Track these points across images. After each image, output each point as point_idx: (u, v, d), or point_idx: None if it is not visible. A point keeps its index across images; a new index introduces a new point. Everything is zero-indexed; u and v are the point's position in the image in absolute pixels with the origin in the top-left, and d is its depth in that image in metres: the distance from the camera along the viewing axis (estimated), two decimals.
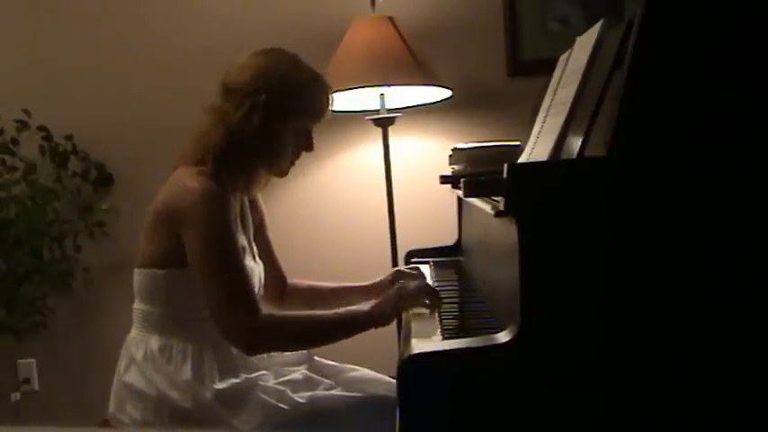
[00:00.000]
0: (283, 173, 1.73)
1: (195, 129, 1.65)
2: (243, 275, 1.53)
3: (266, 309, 1.60)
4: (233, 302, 1.49)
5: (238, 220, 1.67)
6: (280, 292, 1.91)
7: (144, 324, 1.61)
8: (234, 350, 1.60)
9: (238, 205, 1.70)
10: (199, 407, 1.52)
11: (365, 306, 1.57)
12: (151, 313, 1.60)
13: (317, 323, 1.58)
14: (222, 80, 1.65)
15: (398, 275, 1.88)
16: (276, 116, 1.61)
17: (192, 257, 1.52)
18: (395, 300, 1.56)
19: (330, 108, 1.71)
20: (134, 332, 1.64)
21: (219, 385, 1.55)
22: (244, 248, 1.65)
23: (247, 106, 1.59)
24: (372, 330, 1.55)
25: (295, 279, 1.95)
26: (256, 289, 1.64)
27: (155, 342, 1.58)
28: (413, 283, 1.63)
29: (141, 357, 1.57)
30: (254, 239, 1.79)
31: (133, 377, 1.58)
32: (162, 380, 1.55)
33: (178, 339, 1.58)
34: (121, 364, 1.61)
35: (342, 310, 1.58)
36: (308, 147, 1.71)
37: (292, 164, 1.72)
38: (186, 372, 1.54)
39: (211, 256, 1.51)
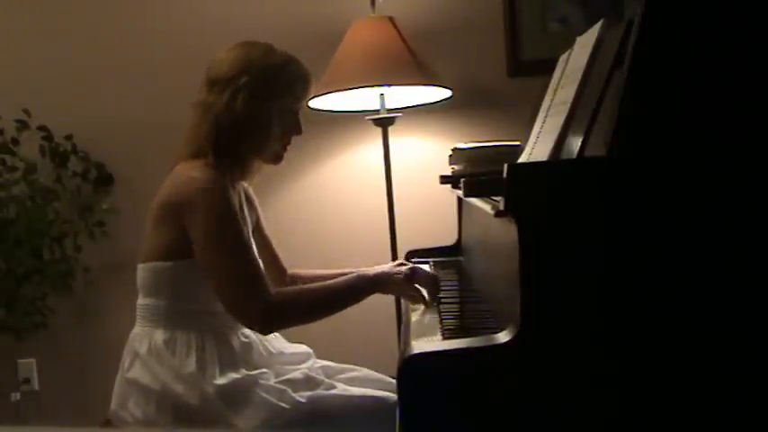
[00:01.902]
0: (276, 157, 1.75)
1: (186, 127, 1.69)
2: (251, 257, 1.56)
3: None
4: (244, 284, 1.52)
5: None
6: (281, 283, 1.92)
7: (149, 319, 1.62)
8: (235, 343, 1.62)
9: (237, 198, 1.71)
10: (202, 402, 1.53)
11: (370, 271, 1.65)
12: (156, 307, 1.60)
13: (327, 292, 1.62)
14: (205, 75, 1.69)
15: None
16: (258, 97, 1.65)
17: (198, 245, 1.54)
18: (409, 274, 1.62)
19: (310, 90, 1.74)
20: (137, 328, 1.64)
21: (220, 380, 1.55)
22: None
23: (230, 92, 1.63)
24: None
25: (295, 269, 1.97)
26: None
27: (159, 336, 1.58)
28: (426, 267, 1.68)
29: (145, 351, 1.58)
30: (252, 236, 1.79)
31: (137, 372, 1.58)
32: (167, 373, 1.55)
33: (182, 332, 1.58)
34: (125, 362, 1.62)
35: (347, 277, 1.64)
36: (297, 130, 1.74)
37: (284, 149, 1.75)
38: (191, 364, 1.55)
39: (219, 241, 1.53)
